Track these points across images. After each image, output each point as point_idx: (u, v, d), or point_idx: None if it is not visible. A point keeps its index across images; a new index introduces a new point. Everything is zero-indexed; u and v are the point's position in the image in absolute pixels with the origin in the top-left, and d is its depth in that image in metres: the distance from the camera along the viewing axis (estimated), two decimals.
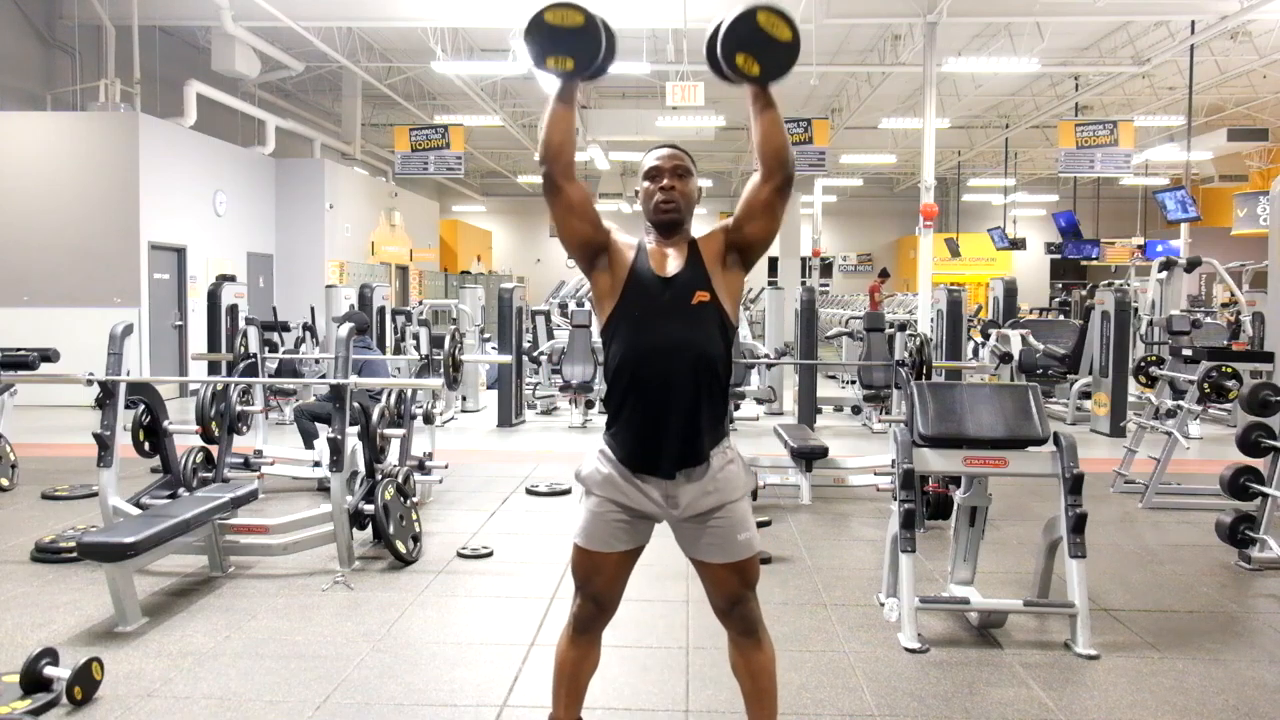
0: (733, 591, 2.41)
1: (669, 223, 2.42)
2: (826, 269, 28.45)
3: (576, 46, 2.32)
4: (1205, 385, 5.62)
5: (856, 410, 9.87)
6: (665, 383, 2.33)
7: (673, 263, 2.40)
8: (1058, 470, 3.64)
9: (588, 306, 10.71)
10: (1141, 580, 4.52)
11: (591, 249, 2.43)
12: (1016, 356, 8.99)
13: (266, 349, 9.34)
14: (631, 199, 26.96)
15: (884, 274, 22.73)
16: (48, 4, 11.61)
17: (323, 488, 6.02)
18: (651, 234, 2.47)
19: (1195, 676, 3.38)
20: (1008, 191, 23.44)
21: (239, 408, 5.62)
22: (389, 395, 5.21)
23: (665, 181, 2.41)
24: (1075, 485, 3.60)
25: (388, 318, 9.91)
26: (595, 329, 10.26)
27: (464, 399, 10.19)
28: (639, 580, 2.68)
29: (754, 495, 5.71)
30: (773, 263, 26.90)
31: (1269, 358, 5.58)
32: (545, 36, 2.31)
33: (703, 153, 23.89)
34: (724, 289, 2.40)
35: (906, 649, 3.55)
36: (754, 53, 2.31)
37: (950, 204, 25.63)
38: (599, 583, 2.43)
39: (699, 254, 2.41)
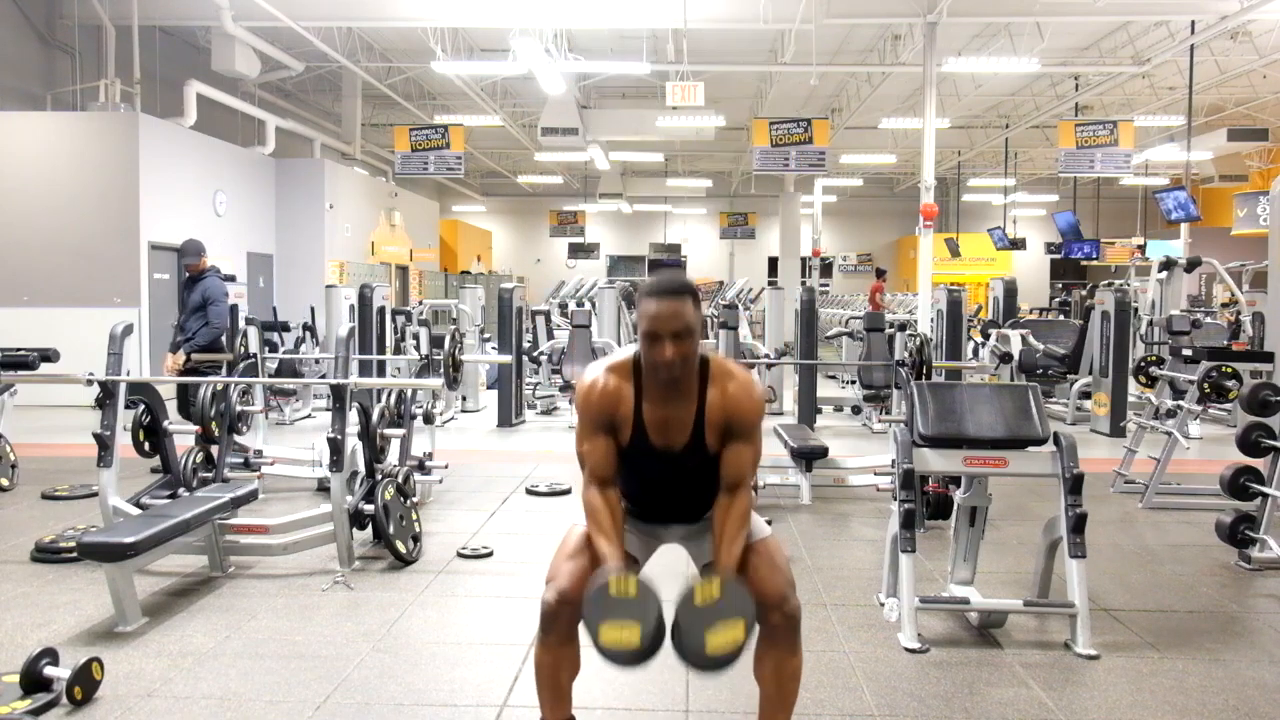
0: (777, 587, 2.42)
1: (671, 381, 2.45)
2: (826, 269, 28.44)
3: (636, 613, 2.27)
4: (1205, 385, 5.62)
5: (856, 410, 9.87)
6: (665, 506, 2.62)
7: (676, 434, 2.48)
8: (1058, 470, 3.64)
9: (588, 306, 10.72)
10: (1141, 580, 4.52)
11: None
12: (1016, 356, 9.00)
13: (266, 349, 9.34)
14: (631, 199, 26.91)
15: (881, 273, 22.70)
16: (48, 4, 11.61)
17: (323, 488, 6.02)
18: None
19: (1195, 676, 3.38)
20: (1008, 191, 23.44)
21: (239, 408, 5.63)
22: (389, 395, 5.21)
23: (667, 352, 2.37)
24: (1075, 485, 3.60)
25: (388, 318, 9.90)
26: (596, 330, 10.26)
27: (464, 399, 10.19)
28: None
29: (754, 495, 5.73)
30: (773, 263, 26.99)
31: (1269, 358, 5.58)
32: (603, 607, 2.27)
33: (702, 153, 23.94)
34: (718, 442, 2.48)
35: (906, 649, 3.55)
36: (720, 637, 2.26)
37: (950, 204, 25.63)
38: (570, 569, 2.46)
39: (703, 420, 2.45)
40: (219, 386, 5.47)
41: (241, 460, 6.04)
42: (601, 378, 2.50)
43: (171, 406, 5.83)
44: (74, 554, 4.40)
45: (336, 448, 4.45)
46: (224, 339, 7.04)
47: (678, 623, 2.26)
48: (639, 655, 2.25)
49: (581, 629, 2.42)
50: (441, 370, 6.53)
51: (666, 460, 2.51)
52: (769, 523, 5.12)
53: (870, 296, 19.95)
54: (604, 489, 2.48)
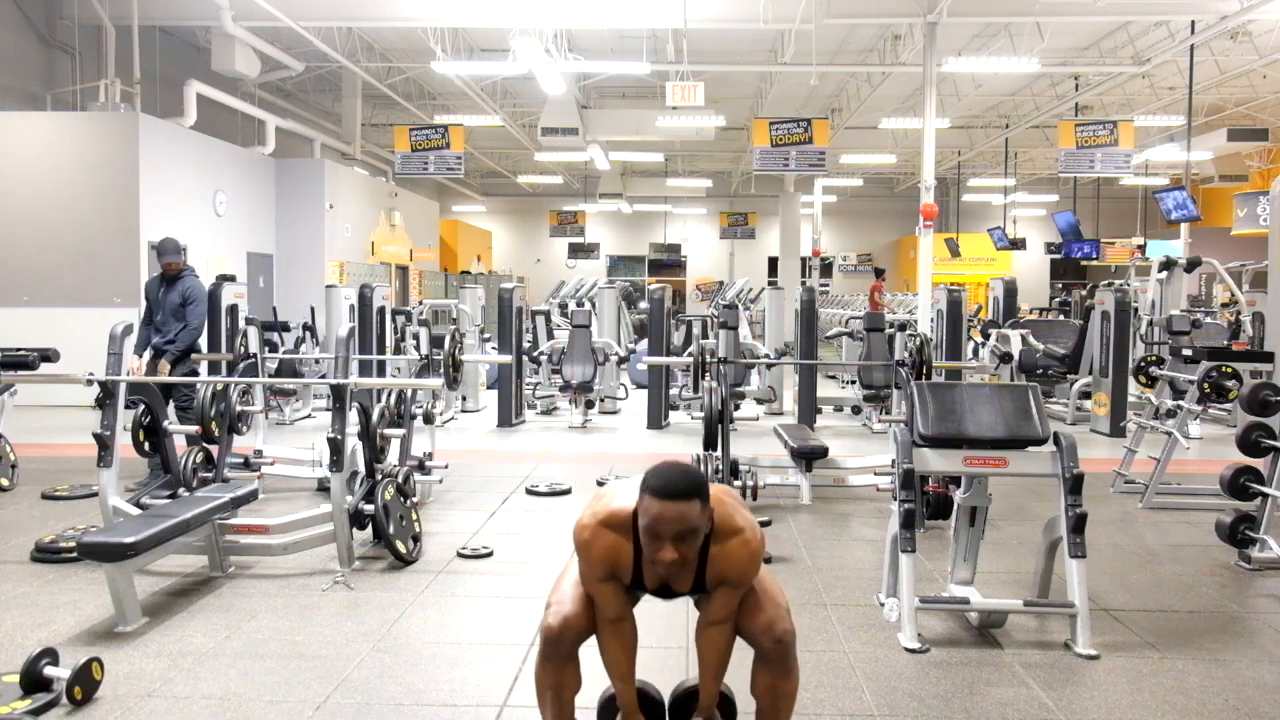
0: (764, 617, 2.41)
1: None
2: (826, 269, 28.45)
3: None
4: (1205, 385, 5.62)
5: (856, 410, 9.87)
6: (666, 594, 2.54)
7: (678, 585, 2.45)
8: (1058, 470, 3.64)
9: (588, 306, 10.71)
10: (1141, 580, 4.52)
11: None
12: (1016, 356, 9.00)
13: (266, 349, 9.34)
14: (631, 199, 26.87)
15: (880, 272, 22.70)
16: (48, 4, 11.60)
17: (323, 488, 6.02)
18: None
19: (1195, 676, 3.38)
20: (1008, 191, 23.44)
21: (239, 408, 5.62)
22: (389, 395, 5.21)
23: (667, 555, 2.26)
24: (1075, 485, 3.60)
25: (388, 318, 9.90)
26: (596, 330, 10.26)
27: (464, 399, 10.19)
28: None
29: (754, 495, 5.72)
30: (773, 263, 27.00)
31: (1269, 358, 5.58)
32: None
33: (702, 153, 23.94)
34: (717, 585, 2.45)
35: (906, 649, 3.55)
36: None
37: (950, 204, 25.63)
38: (575, 595, 2.44)
39: (704, 573, 2.41)
40: (219, 386, 5.47)
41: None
42: (599, 536, 2.38)
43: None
44: (74, 554, 4.41)
45: (336, 448, 4.45)
46: (202, 340, 6.92)
47: None
48: None
49: (584, 650, 2.45)
50: (441, 370, 6.52)
51: (667, 595, 2.52)
52: (768, 523, 5.06)
53: (870, 296, 19.96)
54: (619, 625, 2.46)
